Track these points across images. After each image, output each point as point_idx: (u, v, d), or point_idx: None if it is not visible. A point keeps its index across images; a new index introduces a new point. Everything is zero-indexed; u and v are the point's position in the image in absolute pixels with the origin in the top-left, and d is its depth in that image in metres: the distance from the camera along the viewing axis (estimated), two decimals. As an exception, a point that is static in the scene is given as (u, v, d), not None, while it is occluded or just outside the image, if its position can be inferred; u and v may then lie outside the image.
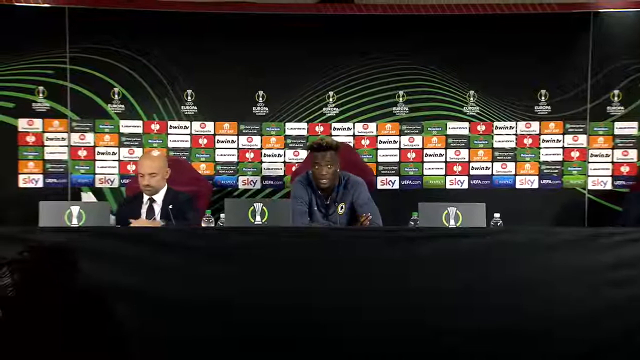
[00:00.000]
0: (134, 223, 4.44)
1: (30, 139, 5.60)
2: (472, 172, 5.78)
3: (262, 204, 4.19)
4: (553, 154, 5.75)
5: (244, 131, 5.74)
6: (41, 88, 5.58)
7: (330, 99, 5.76)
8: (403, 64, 5.67)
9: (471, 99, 5.76)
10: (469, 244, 3.94)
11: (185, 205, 4.73)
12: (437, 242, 3.92)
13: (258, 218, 4.15)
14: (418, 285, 3.83)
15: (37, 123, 5.60)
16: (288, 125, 5.73)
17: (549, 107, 5.74)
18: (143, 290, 3.70)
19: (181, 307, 3.76)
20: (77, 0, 5.54)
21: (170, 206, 4.59)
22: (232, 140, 5.74)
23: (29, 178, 5.58)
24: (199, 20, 5.56)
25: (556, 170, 5.75)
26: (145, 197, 4.69)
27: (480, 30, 5.63)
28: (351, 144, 5.72)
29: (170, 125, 5.71)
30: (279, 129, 5.73)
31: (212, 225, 4.23)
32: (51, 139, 5.62)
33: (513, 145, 5.76)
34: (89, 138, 5.65)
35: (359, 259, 3.87)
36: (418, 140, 5.75)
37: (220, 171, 5.75)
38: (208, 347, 3.72)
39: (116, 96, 5.64)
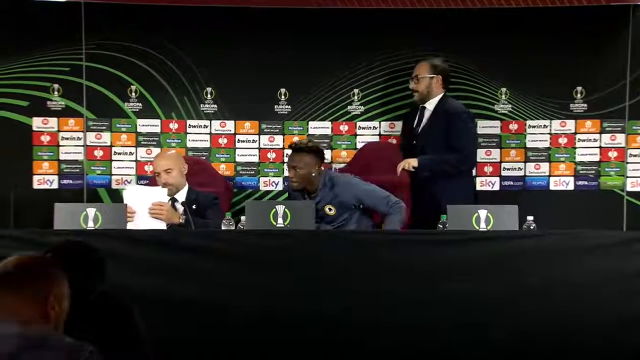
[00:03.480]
0: (153, 206, 4.54)
1: (45, 138, 5.71)
2: (503, 173, 5.80)
3: (284, 206, 4.26)
4: (589, 154, 5.77)
5: (265, 130, 5.81)
6: (56, 86, 5.69)
7: (355, 97, 5.82)
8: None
9: (503, 96, 5.79)
10: (500, 247, 3.99)
11: (209, 206, 4.81)
12: (466, 245, 3.97)
13: (280, 221, 4.21)
14: (447, 289, 3.88)
15: (52, 122, 5.70)
16: (311, 124, 5.81)
17: (585, 105, 5.76)
18: (164, 294, 3.79)
19: (206, 310, 3.84)
20: (94, -5, 5.64)
21: (193, 207, 4.69)
22: (253, 140, 5.81)
23: (44, 179, 5.70)
24: (219, 15, 5.63)
25: (592, 171, 5.76)
26: (167, 197, 4.78)
27: (513, 25, 5.64)
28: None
29: (189, 125, 5.80)
30: (301, 128, 5.80)
31: (232, 227, 4.31)
32: (66, 139, 5.72)
33: (547, 144, 5.78)
34: (106, 137, 5.75)
35: (386, 261, 3.93)
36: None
37: (240, 172, 5.82)
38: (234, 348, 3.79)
39: (133, 94, 5.74)
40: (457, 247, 3.96)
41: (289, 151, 5.07)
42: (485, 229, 4.18)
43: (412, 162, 5.02)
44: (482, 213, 4.22)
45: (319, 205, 4.83)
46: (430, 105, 5.24)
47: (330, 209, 4.86)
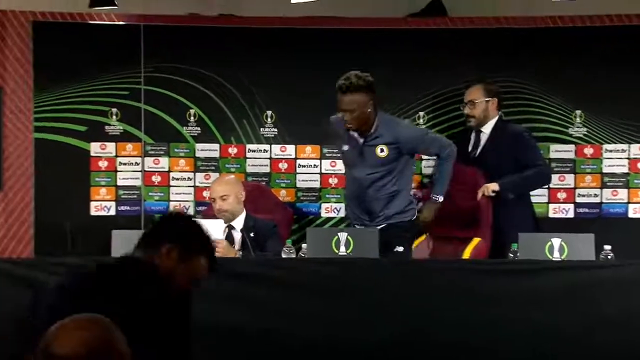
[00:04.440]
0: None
1: (103, 164, 5.74)
2: (578, 200, 5.67)
3: (346, 234, 4.22)
4: (671, 180, 5.61)
5: (327, 155, 5.77)
6: (114, 110, 5.73)
7: (421, 120, 5.75)
8: (500, 81, 5.60)
9: (577, 119, 5.66)
10: (576, 278, 3.91)
11: (269, 234, 4.78)
12: (539, 276, 3.90)
13: (342, 248, 4.17)
14: (520, 320, 3.81)
15: (110, 147, 5.74)
16: (424, 163, 5.71)
17: (667, 128, 5.62)
18: (221, 322, 3.76)
19: (264, 339, 3.80)
20: (153, 18, 5.69)
21: (251, 234, 4.65)
22: (314, 165, 5.78)
23: (101, 205, 5.72)
24: (280, 36, 5.64)
25: (674, 198, 5.61)
26: (224, 225, 4.75)
27: (588, 43, 5.55)
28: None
29: (249, 149, 5.79)
30: (415, 168, 5.69)
31: (293, 255, 4.26)
32: (124, 164, 5.75)
33: (625, 170, 5.64)
34: (163, 163, 5.77)
35: (454, 290, 3.88)
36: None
37: (301, 198, 5.79)
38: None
39: (192, 118, 5.75)
40: (531, 277, 3.89)
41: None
42: (559, 259, 4.10)
43: (492, 187, 5.00)
44: (556, 242, 4.17)
45: (371, 143, 4.79)
46: (487, 128, 5.21)
47: (382, 150, 4.80)
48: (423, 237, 5.10)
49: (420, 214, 4.93)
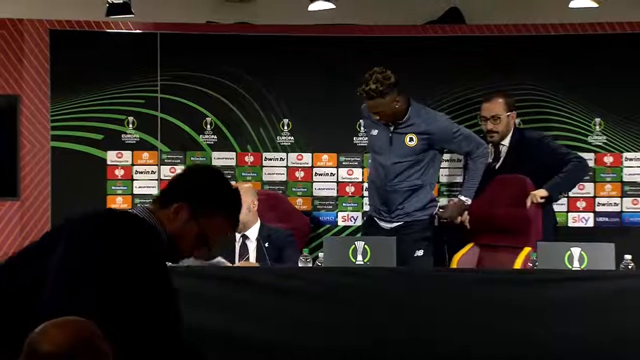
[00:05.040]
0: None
1: (119, 172, 5.76)
2: (598, 209, 5.63)
3: (363, 242, 4.20)
4: (692, 188, 5.57)
5: (344, 163, 5.76)
6: (131, 118, 5.75)
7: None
8: (518, 89, 5.59)
9: (597, 127, 5.63)
10: (596, 288, 3.88)
11: (285, 243, 4.76)
12: (559, 286, 3.87)
13: (359, 257, 4.15)
14: (538, 330, 3.78)
15: (127, 155, 5.76)
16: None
17: (687, 137, 5.58)
18: (237, 333, 3.75)
19: (279, 350, 3.79)
20: (169, 26, 5.71)
21: (267, 244, 4.64)
22: (331, 173, 5.77)
23: (117, 214, 5.72)
24: (297, 44, 5.64)
25: (696, 207, 5.56)
26: (237, 235, 4.74)
27: (607, 51, 5.51)
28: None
29: (265, 157, 5.79)
30: None
31: (310, 265, 4.25)
32: (140, 172, 5.76)
33: (646, 178, 5.60)
34: (180, 171, 5.75)
35: (473, 300, 3.85)
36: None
37: (318, 206, 5.78)
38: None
39: (208, 126, 5.76)
40: (551, 287, 3.86)
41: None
42: (579, 268, 4.06)
43: (540, 193, 4.88)
44: (575, 251, 4.13)
45: (401, 131, 4.84)
46: (506, 141, 5.14)
47: (411, 139, 4.83)
48: (469, 246, 4.99)
49: (444, 211, 4.91)
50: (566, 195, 5.14)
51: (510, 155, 5.11)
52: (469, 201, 4.91)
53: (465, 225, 4.96)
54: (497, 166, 5.15)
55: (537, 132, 5.28)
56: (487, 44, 5.64)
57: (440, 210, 5.01)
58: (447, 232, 5.09)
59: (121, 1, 5.23)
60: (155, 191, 5.75)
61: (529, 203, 4.86)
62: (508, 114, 5.07)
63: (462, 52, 5.64)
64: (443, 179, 5.71)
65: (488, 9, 5.85)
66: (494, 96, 5.15)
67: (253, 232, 4.78)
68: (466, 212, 4.93)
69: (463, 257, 4.91)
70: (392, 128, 4.88)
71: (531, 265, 4.18)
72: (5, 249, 5.54)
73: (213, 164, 5.77)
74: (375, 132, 4.97)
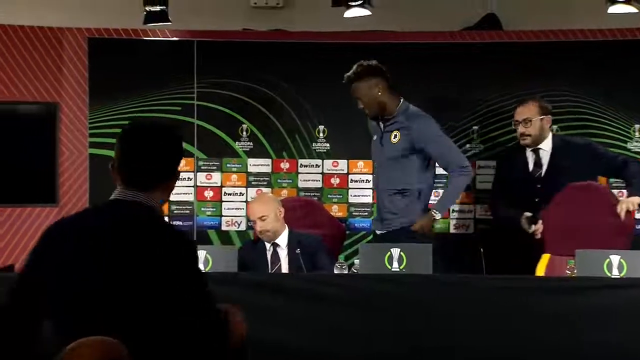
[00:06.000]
0: None
1: (156, 179, 5.78)
2: (638, 216, 5.52)
3: (399, 249, 4.19)
4: None
5: (379, 170, 5.75)
6: (168, 125, 5.78)
7: (475, 135, 5.71)
8: (555, 95, 5.55)
9: (637, 133, 5.58)
10: (635, 296, 3.83)
11: (316, 248, 4.75)
12: (598, 293, 3.83)
13: (395, 265, 4.14)
14: (580, 339, 3.74)
15: (163, 162, 5.78)
16: None
17: None
18: (266, 339, 3.75)
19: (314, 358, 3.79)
20: (206, 34, 5.75)
21: (298, 250, 4.63)
22: (366, 180, 5.76)
23: (154, 220, 5.76)
24: (333, 51, 5.65)
25: None
26: (268, 244, 4.76)
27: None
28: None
29: (301, 164, 5.80)
30: None
31: (345, 272, 4.24)
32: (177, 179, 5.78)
33: (688, 185, 5.52)
34: (216, 178, 5.80)
35: (511, 308, 3.82)
36: (574, 180, 5.59)
37: (354, 213, 5.77)
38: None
39: (244, 133, 5.78)
40: (591, 295, 3.82)
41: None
42: (618, 276, 4.01)
43: (637, 200, 4.75)
44: (615, 259, 4.07)
45: (388, 129, 4.87)
46: (546, 146, 5.05)
47: (395, 136, 4.85)
48: (547, 257, 4.80)
49: (415, 224, 4.84)
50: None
51: (555, 161, 5.04)
52: (438, 216, 4.81)
53: (535, 235, 4.83)
54: (541, 174, 5.06)
55: (584, 139, 5.24)
56: (524, 50, 5.61)
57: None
58: (483, 241, 5.05)
59: (158, 9, 5.28)
60: (191, 197, 5.79)
61: (623, 211, 4.71)
62: (541, 117, 5.01)
63: (498, 59, 5.60)
64: (480, 186, 5.67)
65: (525, 15, 5.82)
66: (527, 100, 5.10)
67: (283, 240, 4.77)
68: (540, 222, 4.84)
69: (547, 270, 4.76)
70: (382, 127, 4.91)
71: (568, 272, 4.15)
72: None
73: (249, 170, 5.79)
74: (375, 137, 5.01)
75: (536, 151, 5.08)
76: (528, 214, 4.84)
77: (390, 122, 4.89)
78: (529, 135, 5.01)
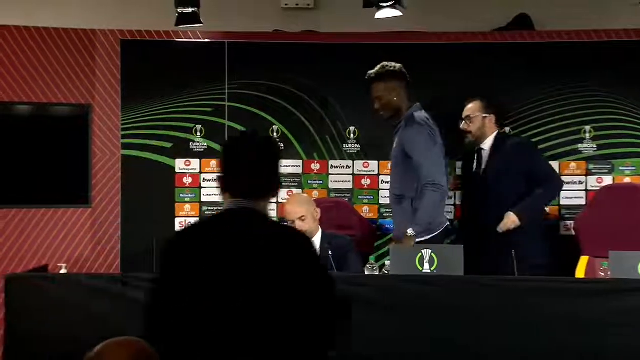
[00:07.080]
0: None
1: (187, 180, 5.83)
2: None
3: (430, 250, 4.18)
4: None
5: (410, 171, 5.73)
6: (199, 127, 5.81)
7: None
8: (589, 95, 5.50)
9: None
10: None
11: (346, 249, 4.76)
12: (633, 295, 3.80)
13: (426, 266, 4.13)
14: (613, 342, 3.71)
15: (194, 163, 5.83)
16: (458, 164, 5.67)
17: None
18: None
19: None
20: (237, 35, 5.77)
21: (330, 252, 4.64)
22: (397, 181, 5.74)
23: (185, 221, 5.80)
24: (363, 52, 5.64)
25: None
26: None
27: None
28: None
29: (331, 165, 5.80)
30: (449, 169, 5.67)
31: (377, 272, 4.24)
32: (208, 180, 5.83)
33: None
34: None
35: (545, 309, 3.80)
36: (608, 181, 5.54)
37: (384, 214, 5.76)
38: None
39: (275, 134, 5.79)
40: (625, 297, 3.79)
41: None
42: (653, 278, 3.98)
43: (510, 222, 4.79)
44: (648, 260, 4.03)
45: (395, 132, 4.99)
46: (487, 145, 5.10)
47: (395, 141, 4.98)
48: (585, 259, 4.86)
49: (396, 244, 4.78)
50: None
51: (492, 161, 5.05)
52: (410, 232, 4.67)
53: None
54: (480, 172, 5.10)
55: (520, 138, 5.25)
56: (557, 50, 5.57)
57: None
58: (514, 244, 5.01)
59: (190, 11, 5.31)
60: (221, 199, 5.79)
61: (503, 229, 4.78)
62: (484, 115, 5.03)
63: (530, 59, 5.57)
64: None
65: (557, 15, 5.78)
66: (474, 98, 5.13)
67: (316, 241, 4.79)
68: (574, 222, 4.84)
69: (586, 272, 4.76)
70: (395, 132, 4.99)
71: (602, 274, 4.11)
72: (77, 255, 5.65)
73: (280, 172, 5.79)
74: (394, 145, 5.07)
75: (479, 151, 5.12)
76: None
77: (397, 127, 4.97)
78: (470, 132, 5.09)
